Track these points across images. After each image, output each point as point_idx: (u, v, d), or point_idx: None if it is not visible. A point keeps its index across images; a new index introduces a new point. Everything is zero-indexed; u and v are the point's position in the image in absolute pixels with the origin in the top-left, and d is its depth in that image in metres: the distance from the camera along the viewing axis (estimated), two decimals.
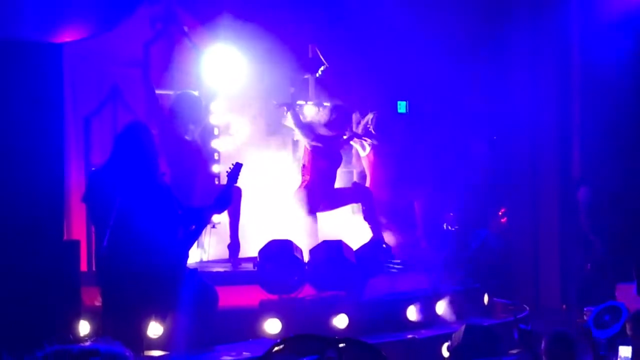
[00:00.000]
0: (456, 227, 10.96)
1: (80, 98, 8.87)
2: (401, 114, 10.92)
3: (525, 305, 9.86)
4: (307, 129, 9.51)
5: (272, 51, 9.80)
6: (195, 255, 8.89)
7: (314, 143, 9.41)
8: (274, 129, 10.20)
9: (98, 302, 6.61)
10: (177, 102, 8.73)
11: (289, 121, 9.59)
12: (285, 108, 9.57)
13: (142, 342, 6.30)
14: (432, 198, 10.47)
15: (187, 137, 8.62)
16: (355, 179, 10.52)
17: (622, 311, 7.38)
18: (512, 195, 12.20)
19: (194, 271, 6.72)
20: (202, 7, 9.80)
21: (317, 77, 10.45)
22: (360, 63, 10.79)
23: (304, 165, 9.54)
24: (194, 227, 6.40)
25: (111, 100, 8.79)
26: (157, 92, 9.11)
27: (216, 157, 9.46)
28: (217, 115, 9.52)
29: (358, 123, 10.03)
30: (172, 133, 8.53)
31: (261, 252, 8.10)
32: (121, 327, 5.93)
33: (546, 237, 12.20)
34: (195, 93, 8.94)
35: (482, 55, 11.68)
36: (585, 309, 8.07)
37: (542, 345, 5.47)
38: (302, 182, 9.48)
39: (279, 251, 8.09)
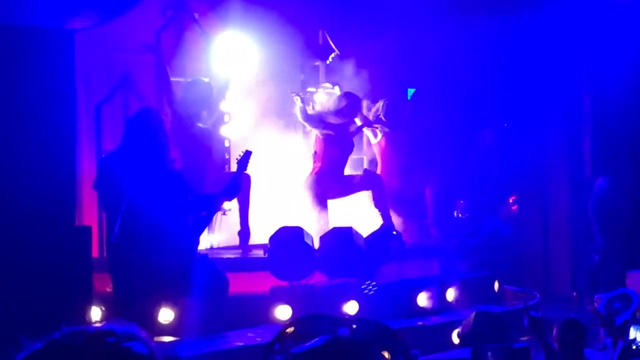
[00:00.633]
0: (467, 214, 10.97)
1: (92, 85, 8.88)
2: (412, 101, 10.92)
3: (535, 292, 9.84)
4: (315, 119, 9.47)
5: (282, 38, 9.79)
6: (205, 242, 8.92)
7: (325, 131, 9.39)
8: (284, 116, 10.19)
9: (109, 288, 6.65)
10: (188, 89, 8.72)
11: (297, 113, 9.56)
12: (298, 97, 9.46)
13: (153, 328, 6.32)
14: (442, 185, 10.47)
15: (198, 124, 8.62)
16: (365, 166, 10.51)
17: (632, 298, 7.36)
18: (522, 183, 12.18)
19: (204, 257, 6.74)
20: None
21: (328, 64, 10.43)
22: (372, 50, 10.77)
23: (315, 152, 9.52)
24: (204, 213, 6.41)
25: (122, 88, 8.81)
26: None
27: (227, 144, 9.45)
28: (227, 101, 9.51)
29: (369, 110, 10.01)
30: (183, 120, 8.54)
31: (272, 238, 8.11)
32: (132, 313, 5.94)
33: (556, 224, 12.17)
34: (206, 80, 8.94)
35: (494, 41, 11.63)
36: (595, 297, 8.05)
37: (554, 332, 5.48)
38: (313, 169, 9.48)
39: (290, 238, 8.10)
